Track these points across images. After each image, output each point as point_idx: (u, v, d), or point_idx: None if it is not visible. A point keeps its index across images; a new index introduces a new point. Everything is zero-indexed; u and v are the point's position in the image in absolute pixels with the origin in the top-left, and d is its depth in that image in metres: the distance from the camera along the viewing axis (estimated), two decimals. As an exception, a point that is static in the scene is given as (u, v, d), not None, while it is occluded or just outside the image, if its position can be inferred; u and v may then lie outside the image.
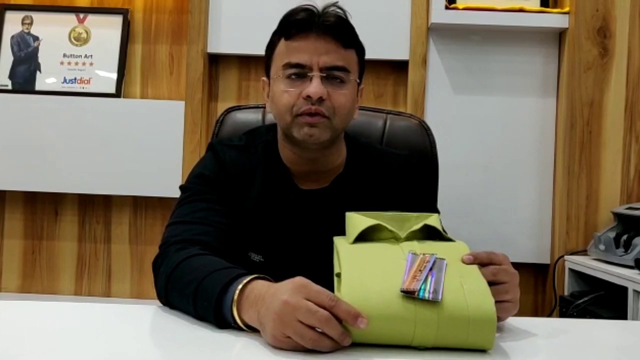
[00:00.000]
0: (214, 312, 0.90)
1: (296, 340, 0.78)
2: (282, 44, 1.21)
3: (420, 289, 0.79)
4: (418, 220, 0.97)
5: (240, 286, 0.89)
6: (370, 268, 0.85)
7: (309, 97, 1.15)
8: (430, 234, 0.96)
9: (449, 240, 0.95)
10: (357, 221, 0.96)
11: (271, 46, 1.24)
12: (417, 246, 0.91)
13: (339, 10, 1.21)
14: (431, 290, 0.79)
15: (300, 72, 1.17)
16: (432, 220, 0.96)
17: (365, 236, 0.94)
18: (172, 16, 2.42)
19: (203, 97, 2.30)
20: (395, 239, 0.94)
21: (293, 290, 0.80)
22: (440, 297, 0.79)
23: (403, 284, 0.80)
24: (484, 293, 0.82)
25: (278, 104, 1.20)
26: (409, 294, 0.79)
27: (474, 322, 0.79)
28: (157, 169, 2.27)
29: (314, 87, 1.15)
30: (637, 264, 1.71)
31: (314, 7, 1.20)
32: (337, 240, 0.97)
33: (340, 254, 0.90)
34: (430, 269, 0.83)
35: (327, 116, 1.17)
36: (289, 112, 1.18)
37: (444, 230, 0.97)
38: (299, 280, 0.82)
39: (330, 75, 1.17)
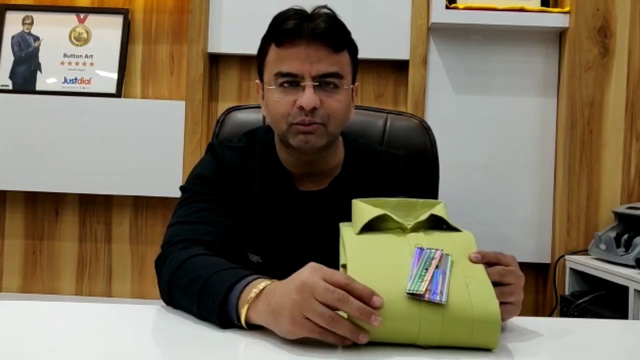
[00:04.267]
0: (219, 311, 0.89)
1: (315, 321, 0.78)
2: (272, 50, 1.19)
3: (426, 290, 0.79)
4: (424, 207, 0.97)
5: (247, 285, 0.89)
6: (375, 264, 0.85)
7: (302, 107, 1.15)
8: (437, 222, 0.95)
9: (455, 229, 0.94)
10: (363, 210, 0.95)
11: (262, 52, 1.23)
12: (423, 238, 0.90)
13: (329, 12, 1.19)
14: (437, 292, 0.80)
15: (292, 81, 1.17)
16: (438, 209, 0.96)
17: (371, 225, 0.93)
18: (172, 16, 2.42)
19: (203, 97, 2.30)
20: (402, 229, 0.93)
21: (309, 271, 0.81)
22: (445, 300, 0.79)
23: (409, 285, 0.80)
24: (488, 294, 0.82)
25: (273, 112, 1.20)
26: (415, 297, 0.79)
27: (479, 322, 0.79)
28: (158, 169, 2.27)
29: (307, 98, 1.14)
30: (637, 264, 1.71)
31: (303, 11, 1.18)
32: (344, 229, 0.97)
33: (347, 246, 0.90)
34: (437, 267, 0.83)
35: (322, 123, 1.17)
36: (284, 121, 1.18)
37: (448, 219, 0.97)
38: (313, 263, 0.82)
39: (323, 82, 1.17)
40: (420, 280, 0.80)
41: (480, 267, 0.87)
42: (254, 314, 0.86)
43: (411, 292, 0.79)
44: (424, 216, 0.94)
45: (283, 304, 0.80)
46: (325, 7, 1.20)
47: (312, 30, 1.15)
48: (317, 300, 0.78)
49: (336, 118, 1.19)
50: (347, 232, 0.94)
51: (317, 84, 1.16)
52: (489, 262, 0.90)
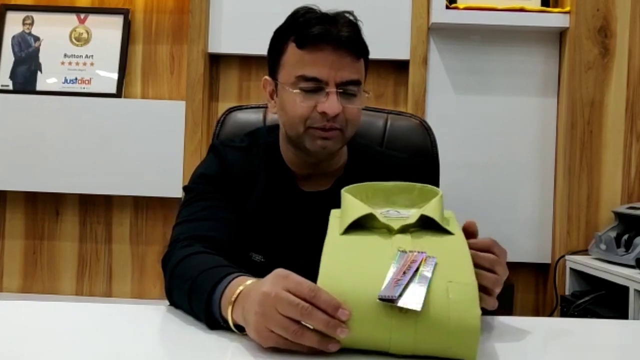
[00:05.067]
0: (205, 311, 0.89)
1: (280, 334, 0.76)
2: (294, 51, 1.18)
3: (399, 295, 0.74)
4: (422, 194, 0.95)
5: (228, 284, 0.88)
6: (350, 269, 0.80)
7: (324, 112, 1.15)
8: (430, 220, 0.89)
9: (447, 232, 0.89)
10: (350, 206, 0.91)
11: (279, 49, 1.21)
12: (409, 242, 0.85)
13: (351, 18, 1.19)
14: (412, 298, 0.74)
15: (316, 87, 1.16)
16: (431, 208, 0.90)
17: (358, 221, 0.89)
18: (172, 16, 2.42)
19: (204, 97, 2.29)
20: (389, 230, 0.87)
21: (272, 281, 0.78)
22: (420, 307, 0.73)
23: (382, 290, 0.74)
24: (470, 303, 0.76)
25: (290, 114, 1.19)
26: (387, 301, 0.74)
27: (455, 333, 0.74)
28: (158, 169, 2.27)
29: (332, 105, 1.15)
30: (638, 264, 1.71)
31: (326, 14, 1.18)
32: (332, 222, 0.93)
33: (325, 248, 0.85)
34: (417, 270, 0.77)
35: (340, 128, 1.18)
36: (302, 124, 1.18)
37: (443, 217, 0.92)
38: (279, 271, 0.80)
39: (346, 90, 1.17)
40: (395, 285, 0.75)
41: (469, 269, 0.81)
42: (235, 315, 0.85)
43: (382, 297, 0.74)
44: (412, 218, 0.89)
45: (250, 314, 0.79)
46: (348, 12, 1.20)
47: (339, 37, 1.15)
48: (281, 314, 0.75)
49: (353, 124, 1.20)
50: (332, 230, 0.90)
51: (341, 90, 1.16)
52: (482, 248, 0.90)
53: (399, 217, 0.91)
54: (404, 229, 0.88)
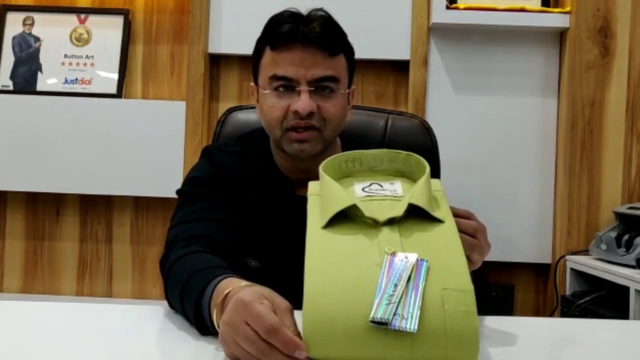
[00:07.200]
0: (194, 316, 0.88)
1: None
2: (267, 53, 1.18)
3: (393, 317, 0.70)
4: (407, 161, 0.91)
5: (215, 287, 0.86)
6: (338, 278, 0.75)
7: (297, 112, 1.14)
8: (418, 208, 0.83)
9: (437, 220, 0.83)
10: (332, 193, 0.85)
11: (257, 54, 1.22)
12: (397, 239, 0.79)
13: (325, 15, 1.18)
14: (406, 316, 0.70)
15: (287, 85, 1.16)
16: (418, 193, 0.84)
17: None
18: (173, 16, 2.42)
19: (204, 97, 2.30)
20: (375, 221, 0.81)
21: (233, 310, 0.75)
22: (415, 327, 0.69)
23: (373, 311, 0.70)
24: (467, 314, 0.72)
25: (267, 117, 1.19)
26: (379, 325, 0.70)
27: (453, 347, 0.71)
28: (159, 169, 2.27)
29: (302, 103, 1.13)
30: (638, 264, 1.71)
31: (299, 14, 1.17)
32: (311, 207, 0.87)
33: (308, 246, 0.81)
34: (408, 280, 0.73)
35: (318, 128, 1.16)
36: (278, 127, 1.17)
37: (431, 196, 0.86)
38: (242, 298, 0.75)
39: (319, 86, 1.16)
40: (386, 302, 0.71)
41: (464, 269, 0.76)
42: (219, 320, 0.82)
43: (375, 320, 0.69)
44: (399, 210, 0.82)
45: (219, 334, 0.77)
46: (321, 9, 1.19)
47: (307, 34, 1.14)
48: (241, 346, 0.73)
49: (332, 123, 1.18)
50: (312, 220, 0.85)
51: (312, 88, 1.15)
52: (462, 215, 0.91)
53: (383, 195, 0.86)
54: (391, 221, 0.81)
